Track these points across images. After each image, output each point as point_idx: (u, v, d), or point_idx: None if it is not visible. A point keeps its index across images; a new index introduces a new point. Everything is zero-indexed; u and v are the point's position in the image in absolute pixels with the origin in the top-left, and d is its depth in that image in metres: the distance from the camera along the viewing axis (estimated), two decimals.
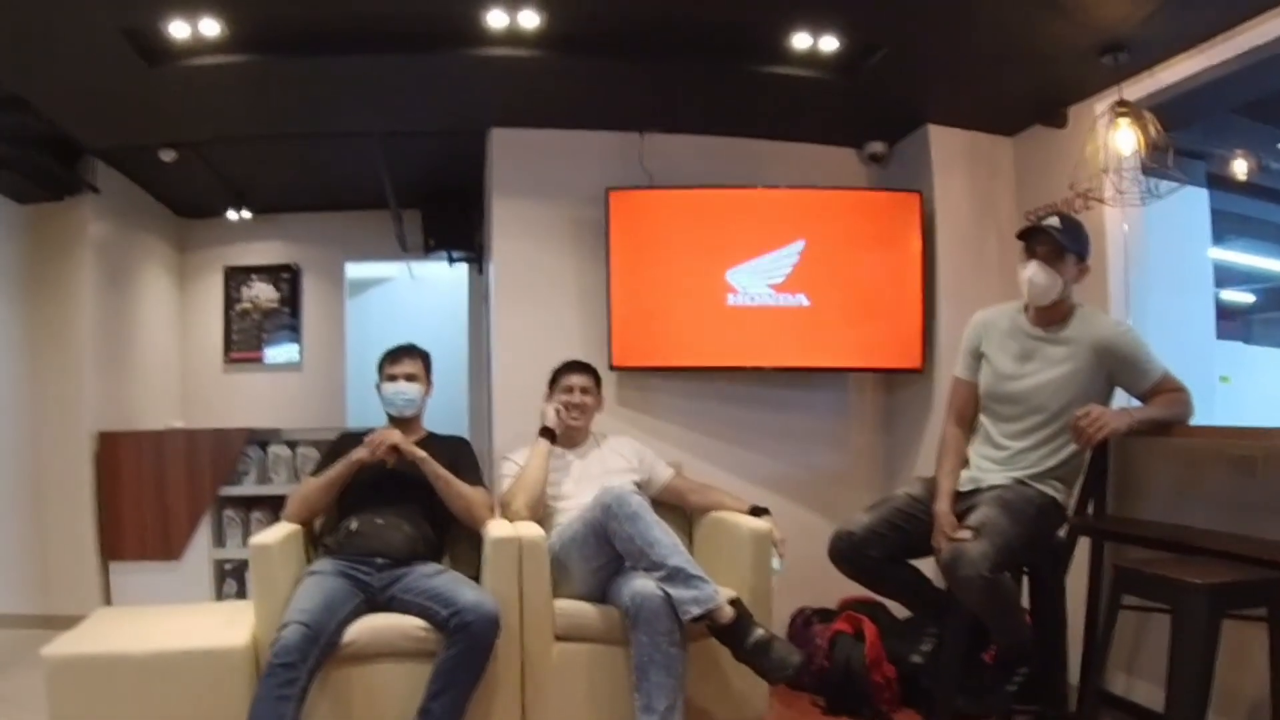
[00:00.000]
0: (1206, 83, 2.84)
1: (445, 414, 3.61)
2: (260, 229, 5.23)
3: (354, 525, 2.63)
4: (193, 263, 5.31)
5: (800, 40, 2.95)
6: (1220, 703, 2.09)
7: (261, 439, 4.27)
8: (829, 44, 2.97)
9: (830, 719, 2.99)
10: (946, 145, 3.62)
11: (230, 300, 5.32)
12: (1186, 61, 2.82)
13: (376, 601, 2.52)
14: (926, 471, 2.68)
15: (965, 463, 2.54)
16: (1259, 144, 3.73)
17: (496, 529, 2.63)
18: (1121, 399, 2.46)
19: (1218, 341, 3.98)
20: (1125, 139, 2.83)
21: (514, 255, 3.70)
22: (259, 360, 5.33)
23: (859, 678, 2.97)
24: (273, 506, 3.99)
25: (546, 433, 2.94)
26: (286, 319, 5.35)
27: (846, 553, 2.47)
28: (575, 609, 2.62)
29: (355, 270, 5.61)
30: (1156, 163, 2.86)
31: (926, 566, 2.52)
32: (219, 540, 4.18)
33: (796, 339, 3.63)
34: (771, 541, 2.71)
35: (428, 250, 5.01)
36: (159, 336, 4.97)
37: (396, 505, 2.69)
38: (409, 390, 2.87)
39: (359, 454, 2.70)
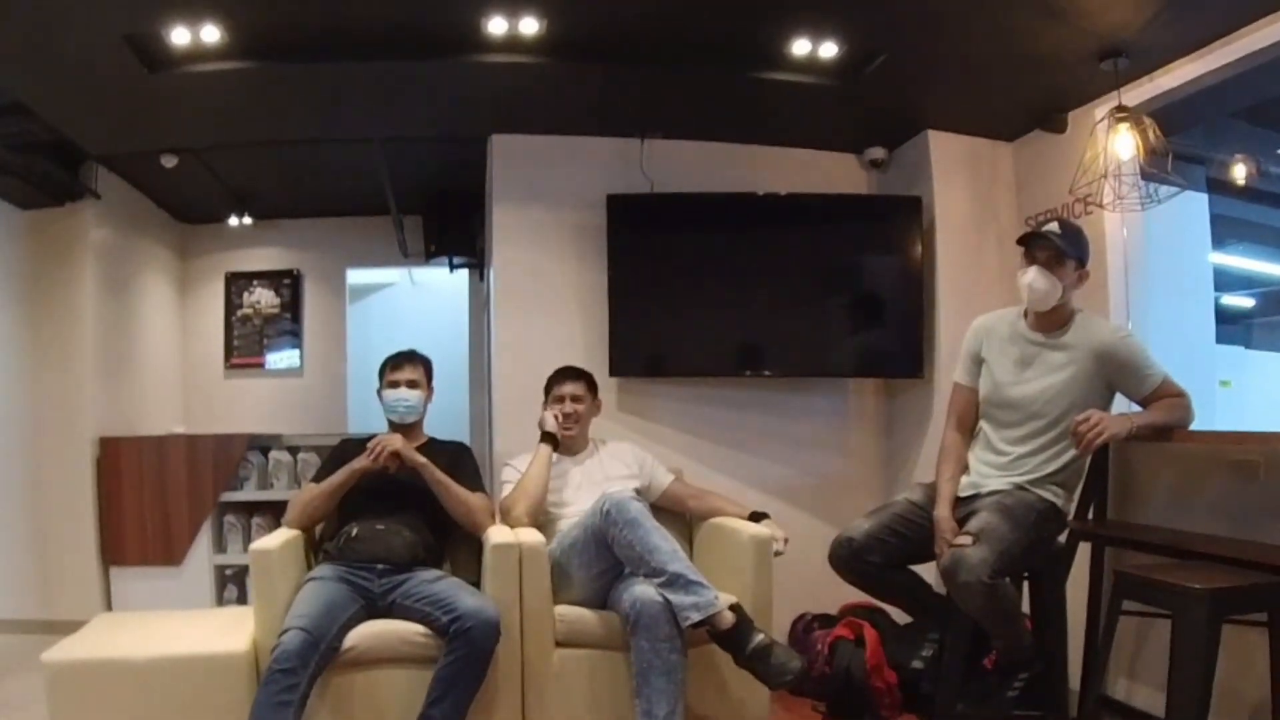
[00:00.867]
0: (1206, 88, 2.84)
1: (446, 420, 3.61)
2: (261, 235, 5.24)
3: (355, 531, 2.63)
4: (194, 268, 5.32)
5: (800, 46, 2.96)
6: (1221, 708, 2.08)
7: (263, 444, 4.27)
8: (829, 50, 2.97)
9: None
10: (946, 151, 3.63)
11: (231, 306, 5.33)
12: (1186, 66, 2.82)
13: (377, 607, 2.52)
14: (926, 477, 2.68)
15: (965, 468, 2.54)
16: (1258, 148, 3.72)
17: (497, 535, 2.63)
18: (1121, 404, 2.46)
19: (1218, 346, 3.96)
20: (1125, 144, 2.83)
21: (515, 261, 3.71)
22: (260, 366, 5.34)
23: (860, 683, 2.97)
24: (274, 512, 3.99)
25: (548, 438, 2.94)
26: (288, 325, 5.36)
27: (847, 558, 2.48)
28: (575, 615, 2.61)
29: (356, 276, 5.62)
30: (1156, 168, 2.86)
31: (927, 572, 2.52)
32: (220, 546, 4.19)
33: (797, 345, 3.64)
34: (773, 541, 2.70)
35: (429, 256, 5.03)
36: (160, 342, 4.97)
37: (397, 511, 2.69)
38: (410, 396, 2.87)
39: (360, 462, 2.70)
